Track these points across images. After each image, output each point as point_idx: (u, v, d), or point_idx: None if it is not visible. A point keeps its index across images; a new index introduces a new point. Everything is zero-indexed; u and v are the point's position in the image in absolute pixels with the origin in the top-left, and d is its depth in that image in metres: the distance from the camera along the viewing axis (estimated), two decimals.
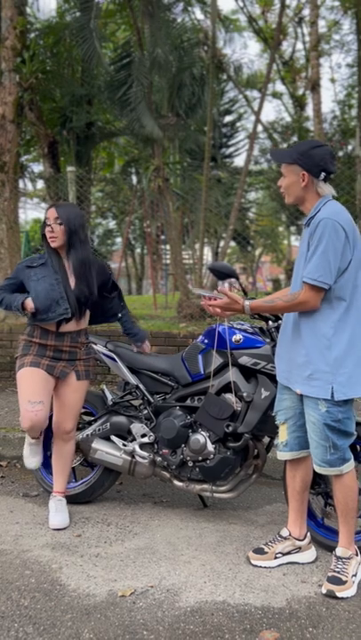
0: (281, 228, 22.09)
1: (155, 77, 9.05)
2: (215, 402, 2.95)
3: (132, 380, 3.27)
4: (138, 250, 28.04)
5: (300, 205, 2.54)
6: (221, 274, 2.86)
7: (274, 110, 51.79)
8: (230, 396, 2.95)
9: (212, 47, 9.47)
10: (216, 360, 3.01)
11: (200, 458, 2.98)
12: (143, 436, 3.15)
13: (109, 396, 3.34)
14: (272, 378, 2.82)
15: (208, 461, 2.97)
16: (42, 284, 2.93)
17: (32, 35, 8.68)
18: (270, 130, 16.68)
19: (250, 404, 2.90)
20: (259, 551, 2.69)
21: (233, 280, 2.86)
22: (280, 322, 2.82)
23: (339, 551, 2.51)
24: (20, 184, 10.85)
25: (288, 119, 18.49)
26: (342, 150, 13.51)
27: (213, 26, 9.62)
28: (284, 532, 2.71)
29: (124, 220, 17.91)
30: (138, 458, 3.14)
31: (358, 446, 2.74)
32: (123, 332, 3.38)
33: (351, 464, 2.46)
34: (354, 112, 15.52)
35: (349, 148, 13.45)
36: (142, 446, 3.15)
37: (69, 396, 3.07)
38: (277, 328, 2.86)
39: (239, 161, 20.58)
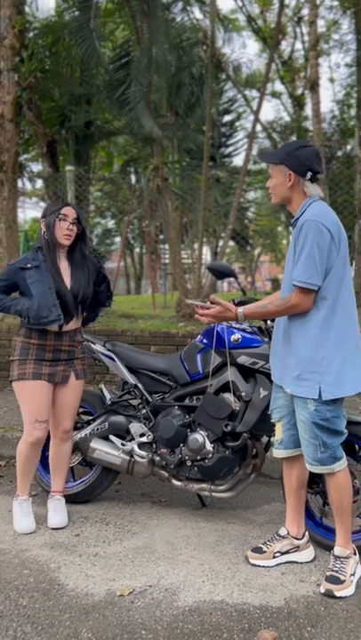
0: (280, 228, 22.07)
1: (154, 77, 9.04)
2: (214, 401, 2.95)
3: (131, 379, 3.27)
4: (137, 249, 28.04)
5: (288, 206, 2.56)
6: (220, 273, 2.86)
7: (273, 110, 51.75)
8: (229, 396, 2.95)
9: (211, 47, 9.47)
10: (215, 359, 3.01)
11: (199, 457, 2.98)
12: (142, 435, 3.15)
13: (108, 396, 3.34)
14: (270, 377, 2.82)
15: (207, 461, 2.97)
16: (36, 289, 2.91)
17: (31, 34, 8.66)
18: (269, 129, 16.69)
19: (248, 404, 2.91)
20: (257, 550, 2.69)
21: (232, 279, 2.86)
22: None
23: (337, 550, 2.51)
24: (19, 183, 10.86)
25: (287, 119, 18.52)
26: (341, 150, 13.51)
27: (212, 25, 9.62)
28: (283, 532, 2.71)
29: (123, 220, 17.91)
30: (136, 457, 3.14)
31: (357, 446, 2.75)
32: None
33: (343, 462, 2.47)
34: (353, 112, 15.51)
35: (348, 147, 13.45)
36: (141, 446, 3.15)
37: (68, 396, 3.08)
38: None
39: (238, 160, 20.53)
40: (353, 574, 2.46)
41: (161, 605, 2.33)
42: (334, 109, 15.88)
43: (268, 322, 2.94)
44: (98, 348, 3.36)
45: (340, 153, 13.30)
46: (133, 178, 16.99)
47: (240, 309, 2.55)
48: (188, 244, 14.96)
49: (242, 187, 10.14)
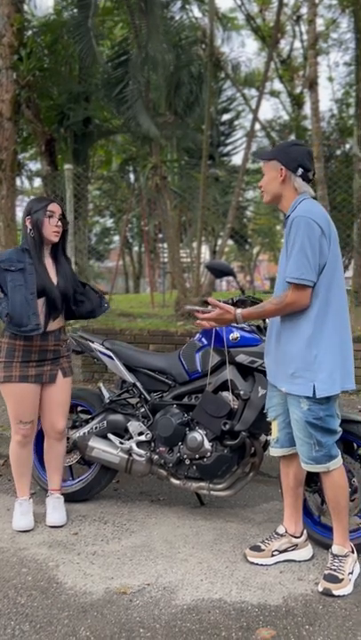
0: (279, 227, 22.06)
1: (153, 75, 9.04)
2: (212, 400, 2.95)
3: (130, 378, 3.27)
4: (135, 248, 28.00)
5: (278, 204, 2.57)
6: (219, 272, 2.86)
7: (272, 109, 51.83)
8: (227, 394, 2.95)
9: (209, 45, 9.47)
10: (213, 358, 3.01)
11: (197, 456, 2.98)
12: (140, 434, 3.15)
13: (106, 394, 3.34)
14: None
15: (205, 459, 2.97)
16: (17, 295, 2.85)
17: (29, 32, 8.64)
18: (268, 128, 16.67)
19: (247, 402, 2.91)
20: (256, 549, 2.69)
21: (230, 278, 2.86)
22: None
23: (335, 549, 2.51)
24: (18, 182, 10.83)
25: (286, 117, 18.50)
26: (340, 149, 13.51)
27: (211, 24, 9.62)
28: (281, 530, 2.72)
29: (122, 219, 17.88)
30: (135, 456, 3.14)
31: (355, 444, 2.75)
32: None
33: (338, 461, 2.47)
34: (352, 111, 15.49)
35: (347, 146, 13.45)
36: (139, 444, 3.15)
37: (58, 395, 3.07)
38: None
39: (237, 159, 20.49)
40: (351, 573, 2.46)
41: (159, 604, 2.33)
42: (333, 108, 15.85)
43: (267, 320, 2.94)
44: (96, 346, 3.36)
45: (338, 152, 13.31)
46: (132, 176, 17.00)
47: (238, 311, 2.55)
48: (187, 242, 14.97)
49: (241, 185, 10.14)
